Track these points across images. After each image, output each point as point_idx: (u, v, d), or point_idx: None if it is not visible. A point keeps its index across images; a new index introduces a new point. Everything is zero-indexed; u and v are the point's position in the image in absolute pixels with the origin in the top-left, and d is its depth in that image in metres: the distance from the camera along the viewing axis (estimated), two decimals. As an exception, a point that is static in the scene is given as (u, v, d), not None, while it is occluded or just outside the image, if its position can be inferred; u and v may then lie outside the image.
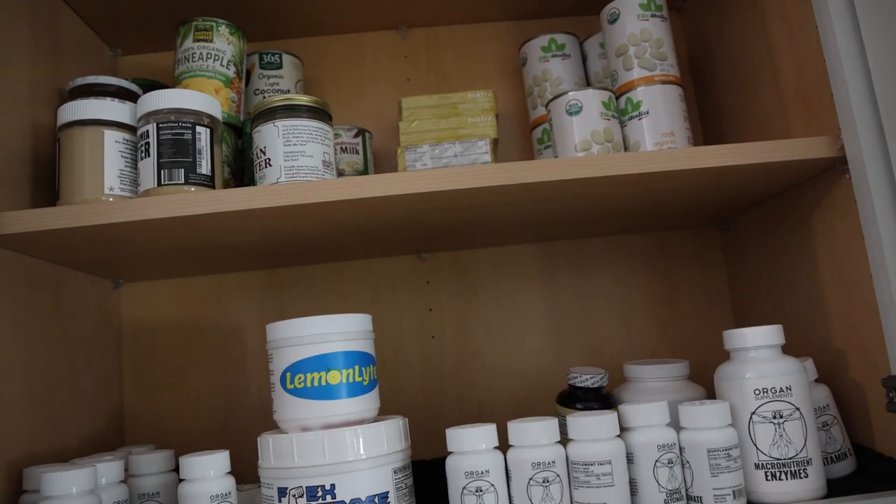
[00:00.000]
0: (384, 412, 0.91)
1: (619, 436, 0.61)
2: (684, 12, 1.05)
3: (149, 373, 0.94)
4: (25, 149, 0.74)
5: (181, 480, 0.63)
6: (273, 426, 0.91)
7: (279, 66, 0.91)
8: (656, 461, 0.60)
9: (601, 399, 0.76)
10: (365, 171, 0.90)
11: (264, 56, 0.91)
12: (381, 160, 0.98)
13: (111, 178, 0.69)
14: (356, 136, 0.90)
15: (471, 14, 1.02)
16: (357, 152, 0.89)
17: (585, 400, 0.76)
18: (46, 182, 0.76)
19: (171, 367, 0.94)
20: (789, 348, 0.84)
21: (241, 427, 0.93)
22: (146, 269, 0.90)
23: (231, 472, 0.65)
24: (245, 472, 0.87)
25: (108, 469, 0.66)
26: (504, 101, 1.02)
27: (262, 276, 0.96)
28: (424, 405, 0.93)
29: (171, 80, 0.94)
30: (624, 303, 0.97)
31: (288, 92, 0.91)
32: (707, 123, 1.01)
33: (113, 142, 0.70)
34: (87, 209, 0.65)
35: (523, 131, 1.01)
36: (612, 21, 0.87)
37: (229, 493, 0.63)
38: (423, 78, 1.02)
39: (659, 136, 0.82)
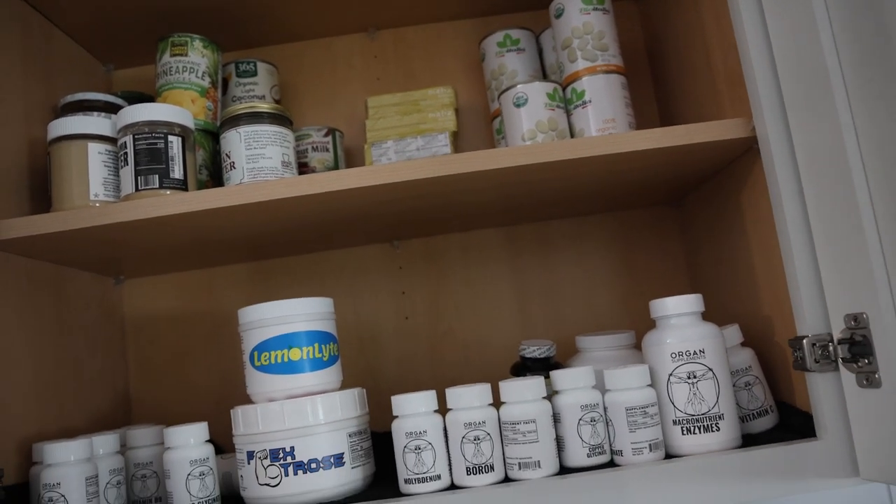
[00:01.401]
0: (362, 387, 0.99)
1: (545, 398, 0.68)
2: (640, 2, 1.10)
3: (151, 361, 1.03)
4: (23, 162, 0.83)
5: (166, 449, 0.72)
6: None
7: (254, 74, 0.99)
8: (580, 419, 0.67)
9: (549, 368, 0.82)
10: (335, 167, 0.97)
11: (240, 65, 0.99)
12: (355, 156, 1.06)
13: (96, 185, 0.78)
14: (326, 135, 0.97)
15: (435, 13, 1.08)
16: (328, 150, 0.97)
17: (535, 370, 0.82)
18: (42, 192, 0.85)
19: (171, 355, 1.03)
20: (724, 315, 0.90)
21: (235, 404, 1.01)
22: (144, 266, 0.99)
23: (210, 441, 0.74)
24: (237, 445, 0.95)
25: (104, 441, 0.75)
26: (468, 94, 1.08)
27: (250, 268, 1.05)
28: (401, 382, 1.01)
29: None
30: (586, 280, 1.03)
31: (263, 97, 0.99)
32: (661, 107, 1.06)
33: (96, 153, 0.78)
34: (74, 214, 0.73)
35: (486, 122, 1.08)
36: (558, 16, 0.93)
37: (207, 458, 0.72)
38: (393, 77, 1.09)
39: (601, 123, 0.88)
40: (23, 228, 0.73)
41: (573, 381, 0.69)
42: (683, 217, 1.04)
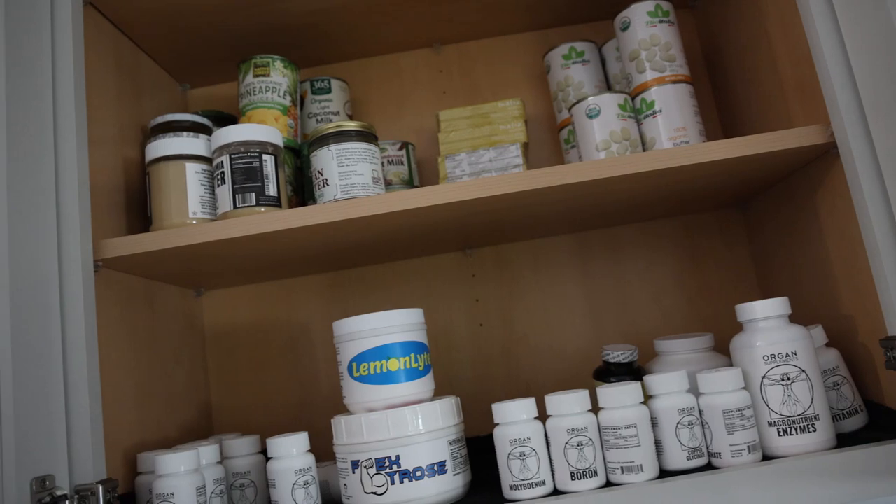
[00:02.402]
0: (439, 394, 1.01)
1: (643, 403, 0.69)
2: (695, 10, 1.11)
3: (230, 370, 1.06)
4: (119, 181, 0.86)
5: (269, 458, 0.74)
6: (343, 411, 1.02)
7: (328, 91, 1.02)
8: (678, 423, 0.69)
9: (633, 372, 0.84)
10: (410, 180, 1.00)
11: (315, 83, 1.02)
12: (424, 168, 1.08)
13: (194, 203, 0.81)
14: (400, 148, 1.00)
15: (497, 28, 1.11)
16: (402, 163, 0.99)
17: (618, 374, 0.84)
18: (136, 209, 0.88)
19: (250, 365, 1.06)
20: (803, 316, 0.91)
21: (313, 414, 1.04)
22: (224, 278, 1.02)
23: (310, 451, 0.76)
24: (319, 452, 0.98)
25: (207, 452, 0.77)
26: (532, 105, 1.11)
27: (326, 279, 1.07)
28: (476, 387, 1.03)
29: (234, 109, 1.06)
30: (655, 283, 1.05)
31: (338, 113, 1.02)
32: (722, 114, 1.08)
33: (193, 172, 0.81)
34: (176, 233, 0.76)
35: (552, 132, 1.10)
36: (624, 29, 0.94)
37: (310, 467, 0.74)
38: (458, 90, 1.11)
39: (672, 132, 0.90)
40: (128, 247, 0.76)
41: (669, 386, 0.70)
42: (750, 219, 1.05)
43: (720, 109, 1.09)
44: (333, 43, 1.07)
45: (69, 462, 0.68)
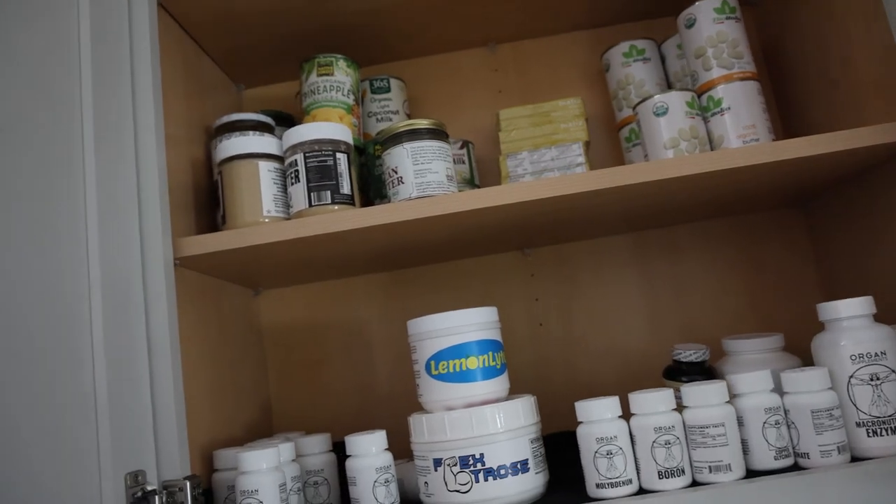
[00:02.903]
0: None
1: (728, 402, 0.69)
2: (755, 7, 1.11)
3: (288, 369, 1.06)
4: (188, 180, 0.86)
5: (348, 456, 0.74)
6: (404, 409, 1.02)
7: (388, 90, 1.02)
8: (764, 423, 0.68)
9: (704, 372, 0.84)
10: (471, 179, 1.00)
11: (374, 82, 1.02)
12: (482, 166, 1.08)
13: (268, 202, 0.81)
14: (461, 147, 1.00)
15: (553, 26, 1.11)
16: (463, 162, 0.99)
17: (690, 373, 0.84)
18: (203, 209, 0.88)
19: (308, 363, 1.06)
20: (879, 316, 0.90)
21: (372, 413, 1.04)
22: (280, 278, 1.02)
23: (340, 442, 0.76)
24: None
25: (286, 449, 0.77)
26: (588, 103, 1.10)
27: (383, 278, 1.07)
28: (535, 387, 1.02)
29: (289, 108, 1.06)
30: (714, 284, 1.04)
31: (397, 112, 1.02)
32: (784, 111, 1.07)
33: (266, 171, 0.82)
34: (254, 231, 0.76)
35: (609, 130, 1.10)
36: (689, 26, 0.94)
37: (389, 465, 0.74)
38: (513, 89, 1.11)
39: (741, 129, 0.89)
40: (206, 245, 0.76)
41: (754, 385, 0.70)
42: (813, 218, 1.04)
43: (780, 107, 1.08)
44: (389, 42, 1.07)
45: (157, 458, 0.68)
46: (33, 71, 0.71)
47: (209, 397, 0.84)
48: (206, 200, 0.90)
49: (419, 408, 0.78)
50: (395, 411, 1.04)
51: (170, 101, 0.83)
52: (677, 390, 0.83)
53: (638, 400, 0.69)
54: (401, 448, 0.85)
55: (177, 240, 0.76)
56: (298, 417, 1.05)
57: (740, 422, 0.69)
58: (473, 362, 0.74)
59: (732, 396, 0.71)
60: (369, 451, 0.74)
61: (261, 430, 1.00)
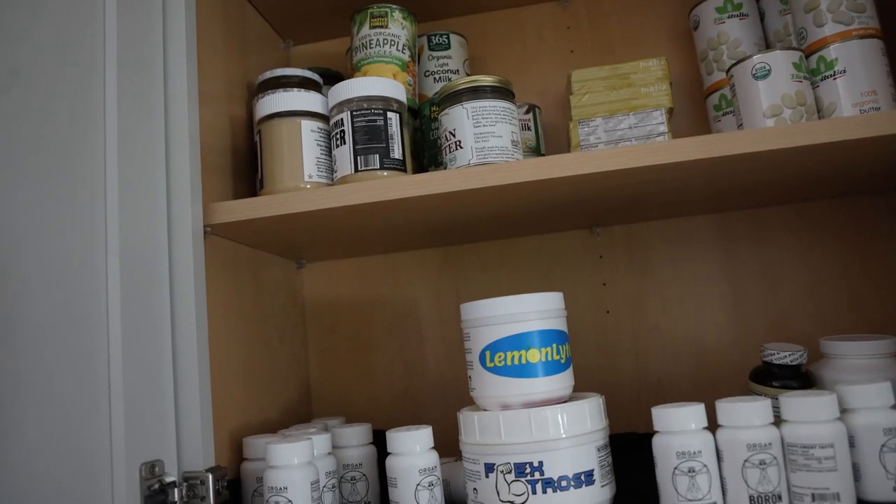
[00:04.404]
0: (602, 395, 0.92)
1: (838, 418, 0.58)
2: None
3: (331, 348, 0.99)
4: (226, 141, 0.79)
5: (388, 454, 0.66)
6: (454, 397, 0.94)
7: (447, 47, 0.92)
8: (882, 446, 0.57)
9: (800, 377, 0.73)
10: (537, 147, 0.89)
11: (433, 38, 0.92)
12: (549, 134, 0.97)
13: (310, 165, 0.73)
14: (527, 112, 0.89)
15: (634, -22, 0.99)
16: (529, 128, 0.89)
17: (783, 378, 0.73)
18: (242, 171, 0.81)
19: (352, 343, 0.99)
20: None
21: (419, 399, 0.96)
22: (326, 250, 0.94)
23: (380, 431, 0.67)
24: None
25: (320, 441, 0.70)
26: (672, 67, 0.98)
27: (436, 253, 0.99)
28: (600, 380, 0.93)
29: (340, 67, 0.97)
30: (810, 274, 0.92)
31: (457, 72, 0.92)
32: (902, 78, 0.93)
33: (309, 131, 0.73)
34: (293, 197, 0.68)
35: (694, 98, 0.97)
36: (800, -25, 0.81)
37: (434, 467, 0.66)
38: (587, 49, 1.00)
39: (859, 96, 0.77)
40: (240, 212, 0.69)
41: (870, 399, 0.59)
42: (928, 205, 0.90)
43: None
44: (449, -6, 0.97)
45: (178, 447, 0.61)
46: (54, 16, 0.63)
47: (242, 377, 0.77)
48: (247, 163, 0.82)
49: (470, 398, 0.70)
50: (444, 398, 0.95)
51: (207, 55, 0.76)
52: (769, 397, 0.72)
53: (728, 410, 0.59)
54: (450, 439, 0.76)
55: (207, 205, 0.69)
56: (339, 401, 0.98)
57: (851, 442, 0.58)
58: (535, 355, 0.65)
59: (843, 411, 0.60)
60: (413, 449, 0.65)
61: (299, 414, 0.93)
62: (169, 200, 0.65)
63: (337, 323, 0.99)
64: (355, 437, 0.75)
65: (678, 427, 0.59)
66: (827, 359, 0.75)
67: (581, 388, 0.92)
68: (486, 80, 0.72)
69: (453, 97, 0.72)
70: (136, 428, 0.57)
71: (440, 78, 0.91)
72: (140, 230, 0.61)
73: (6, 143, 0.60)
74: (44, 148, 0.60)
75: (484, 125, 0.70)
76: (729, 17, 0.90)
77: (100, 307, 0.58)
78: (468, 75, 0.93)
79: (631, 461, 0.76)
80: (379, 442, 0.74)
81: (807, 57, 0.80)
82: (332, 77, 0.94)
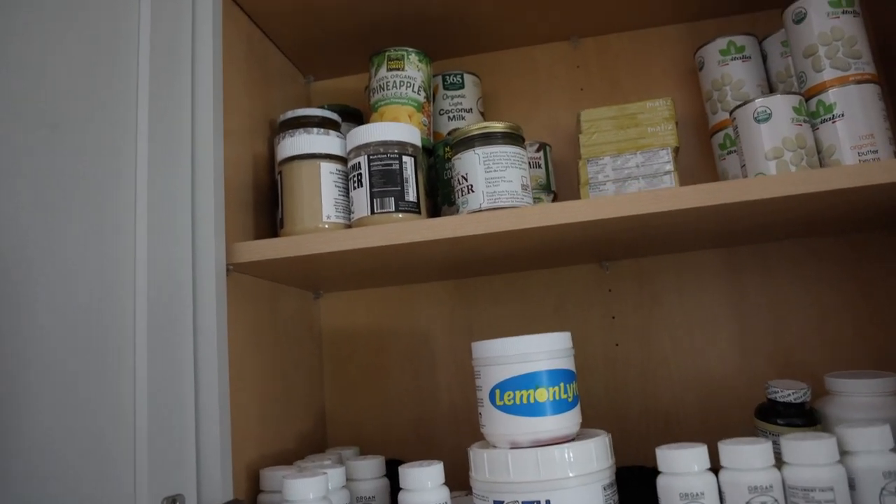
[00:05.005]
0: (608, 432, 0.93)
1: (839, 461, 0.60)
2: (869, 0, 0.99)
3: (346, 377, 1.02)
4: (248, 177, 0.82)
5: (400, 489, 0.68)
6: (466, 425, 0.96)
7: (461, 87, 0.95)
8: (883, 489, 0.59)
9: (804, 415, 0.74)
10: (548, 184, 0.92)
11: (447, 77, 0.95)
12: (559, 169, 1.00)
13: (328, 206, 0.75)
14: (538, 150, 0.92)
15: (641, 20, 1.01)
16: (539, 166, 0.92)
17: (787, 415, 0.74)
18: (263, 206, 0.84)
19: (367, 372, 1.01)
20: None
21: (433, 429, 0.99)
22: (343, 282, 0.97)
23: (396, 461, 0.69)
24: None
25: (334, 476, 0.72)
26: (678, 105, 1.01)
27: (450, 287, 1.01)
28: (608, 413, 0.94)
29: (357, 103, 1.00)
30: (816, 309, 0.94)
31: (470, 110, 0.95)
32: (903, 119, 0.95)
33: (328, 173, 0.76)
34: (311, 239, 0.71)
35: (700, 136, 1.00)
36: (798, 21, 0.83)
37: (445, 502, 0.68)
38: (597, 87, 1.03)
39: (857, 140, 0.79)
40: (261, 252, 0.72)
41: (870, 442, 0.60)
42: (932, 243, 0.92)
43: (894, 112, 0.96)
44: (463, 34, 1.00)
45: (198, 481, 0.64)
46: (88, 57, 0.66)
47: (259, 407, 0.79)
48: (268, 198, 0.85)
49: (481, 426, 0.72)
50: (456, 426, 0.97)
51: (231, 93, 0.79)
52: (773, 434, 0.74)
53: (730, 452, 0.61)
54: (462, 466, 0.78)
55: (230, 245, 0.72)
56: (354, 429, 1.01)
57: (851, 485, 0.60)
58: (543, 394, 0.67)
59: (843, 453, 0.61)
60: (424, 485, 0.67)
61: (314, 442, 0.95)
62: (194, 241, 0.68)
63: (352, 352, 1.02)
64: (369, 470, 0.77)
65: (682, 469, 0.61)
66: (832, 395, 0.77)
67: (590, 418, 0.94)
68: (498, 126, 0.74)
69: (466, 142, 0.75)
70: (158, 463, 0.60)
71: (454, 116, 0.94)
72: (166, 270, 0.64)
73: (45, 185, 0.63)
74: (75, 187, 0.63)
75: (495, 170, 0.72)
76: (732, 59, 0.92)
77: (127, 344, 0.60)
78: (481, 114, 0.97)
79: (638, 494, 0.78)
80: (392, 472, 0.77)
81: (806, 100, 0.83)
82: (351, 114, 0.97)
